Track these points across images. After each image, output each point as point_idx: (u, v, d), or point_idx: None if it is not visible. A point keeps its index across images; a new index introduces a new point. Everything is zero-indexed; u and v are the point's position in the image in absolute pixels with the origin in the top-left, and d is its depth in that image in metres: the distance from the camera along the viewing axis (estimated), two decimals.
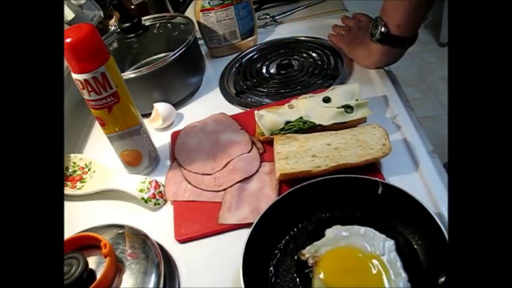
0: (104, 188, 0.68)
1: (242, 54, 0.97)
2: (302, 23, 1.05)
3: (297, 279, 0.49)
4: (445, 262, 0.44)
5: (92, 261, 0.50)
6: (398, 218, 0.52)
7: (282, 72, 0.88)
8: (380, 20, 0.72)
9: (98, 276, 0.47)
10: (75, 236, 0.53)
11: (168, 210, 0.64)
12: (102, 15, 0.99)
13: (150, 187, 0.65)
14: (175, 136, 0.77)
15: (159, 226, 0.62)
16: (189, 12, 1.04)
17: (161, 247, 0.57)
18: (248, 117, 0.74)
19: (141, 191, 0.65)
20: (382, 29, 0.71)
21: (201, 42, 0.94)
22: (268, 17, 1.08)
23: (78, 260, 0.47)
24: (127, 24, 0.88)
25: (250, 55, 0.96)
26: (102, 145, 0.72)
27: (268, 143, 0.68)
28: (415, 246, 0.49)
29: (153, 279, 0.49)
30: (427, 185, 0.56)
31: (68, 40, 0.55)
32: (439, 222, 0.46)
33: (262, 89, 0.84)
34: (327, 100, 0.69)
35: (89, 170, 0.72)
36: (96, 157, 0.74)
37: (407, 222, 0.51)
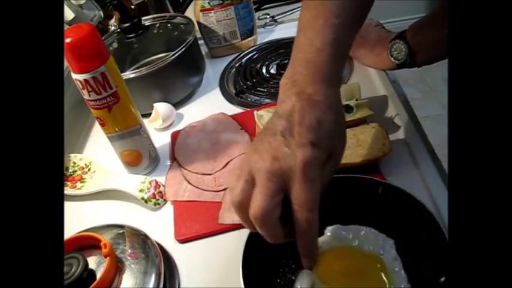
0: (104, 188, 0.68)
1: (242, 54, 0.97)
2: None
3: None
4: (445, 262, 0.44)
5: (92, 261, 0.50)
6: (398, 218, 0.51)
7: (282, 72, 0.87)
8: (407, 50, 0.67)
9: (98, 276, 0.47)
10: (75, 236, 0.53)
11: (168, 210, 0.64)
12: (102, 15, 0.99)
13: (150, 187, 0.65)
14: (175, 136, 0.77)
15: (159, 226, 0.62)
16: (189, 12, 1.04)
17: (161, 247, 0.57)
18: (248, 117, 0.74)
19: (141, 191, 0.65)
20: (407, 60, 0.68)
21: (201, 42, 0.94)
22: (268, 17, 1.08)
23: (78, 260, 0.47)
24: (127, 24, 0.88)
25: (250, 55, 0.96)
26: (102, 145, 0.72)
27: None
28: (415, 246, 0.49)
29: (153, 279, 0.49)
30: (427, 185, 0.56)
31: (68, 40, 0.55)
32: (439, 222, 0.46)
33: (262, 89, 0.84)
34: None
35: (89, 170, 0.72)
36: (96, 157, 0.74)
37: (408, 222, 0.51)
